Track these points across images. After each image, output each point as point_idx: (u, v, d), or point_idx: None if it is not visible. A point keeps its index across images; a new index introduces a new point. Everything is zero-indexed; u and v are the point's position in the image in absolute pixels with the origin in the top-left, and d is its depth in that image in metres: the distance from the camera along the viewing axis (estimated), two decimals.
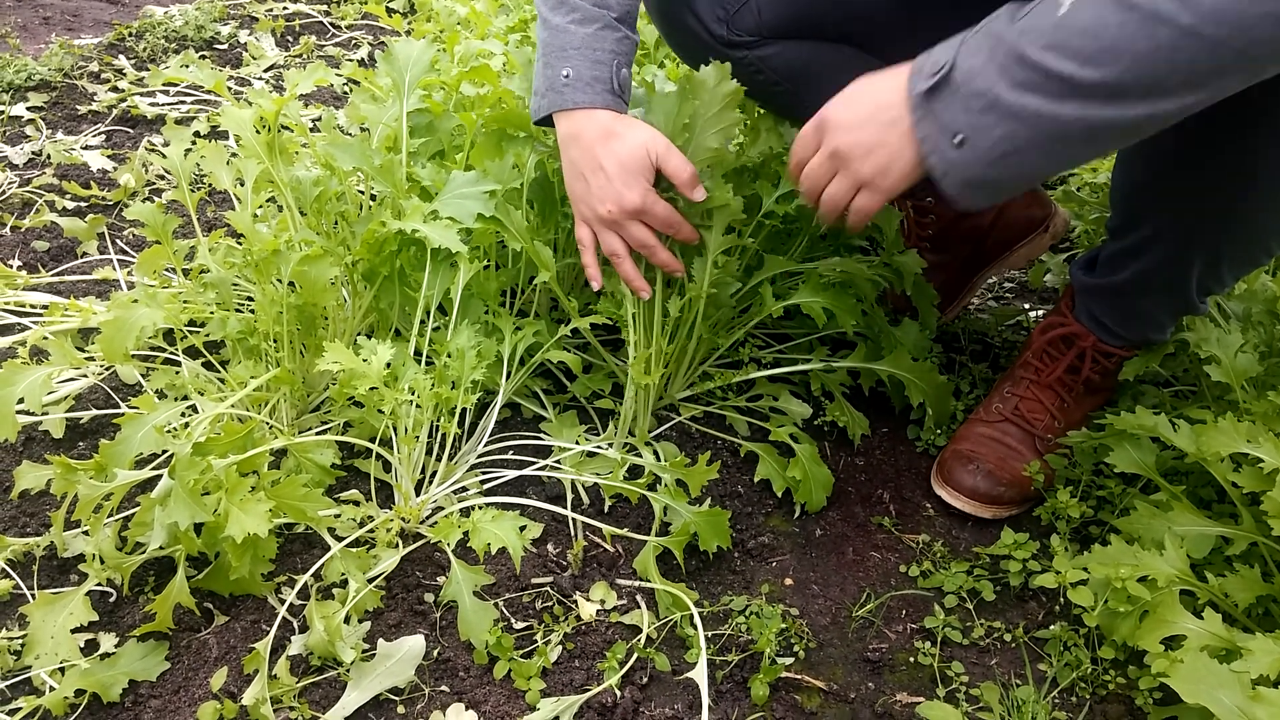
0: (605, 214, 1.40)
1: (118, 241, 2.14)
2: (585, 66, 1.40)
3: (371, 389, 1.34)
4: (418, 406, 1.39)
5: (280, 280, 1.51)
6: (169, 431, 1.37)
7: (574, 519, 1.48)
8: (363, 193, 1.86)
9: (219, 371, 1.61)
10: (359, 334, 1.76)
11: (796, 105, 1.64)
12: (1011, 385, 1.68)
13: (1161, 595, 1.25)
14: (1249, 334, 1.63)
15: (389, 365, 1.37)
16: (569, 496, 1.55)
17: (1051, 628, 1.35)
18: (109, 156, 2.50)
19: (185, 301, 1.79)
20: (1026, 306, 2.18)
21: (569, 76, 1.39)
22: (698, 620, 1.30)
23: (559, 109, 1.41)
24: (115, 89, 2.88)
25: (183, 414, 1.42)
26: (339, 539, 1.38)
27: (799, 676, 1.28)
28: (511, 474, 1.54)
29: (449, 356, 1.40)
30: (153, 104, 2.78)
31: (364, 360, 1.35)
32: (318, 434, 1.61)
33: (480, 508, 1.28)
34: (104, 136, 2.63)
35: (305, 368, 1.66)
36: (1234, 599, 1.28)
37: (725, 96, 1.44)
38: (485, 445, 1.60)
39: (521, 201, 1.69)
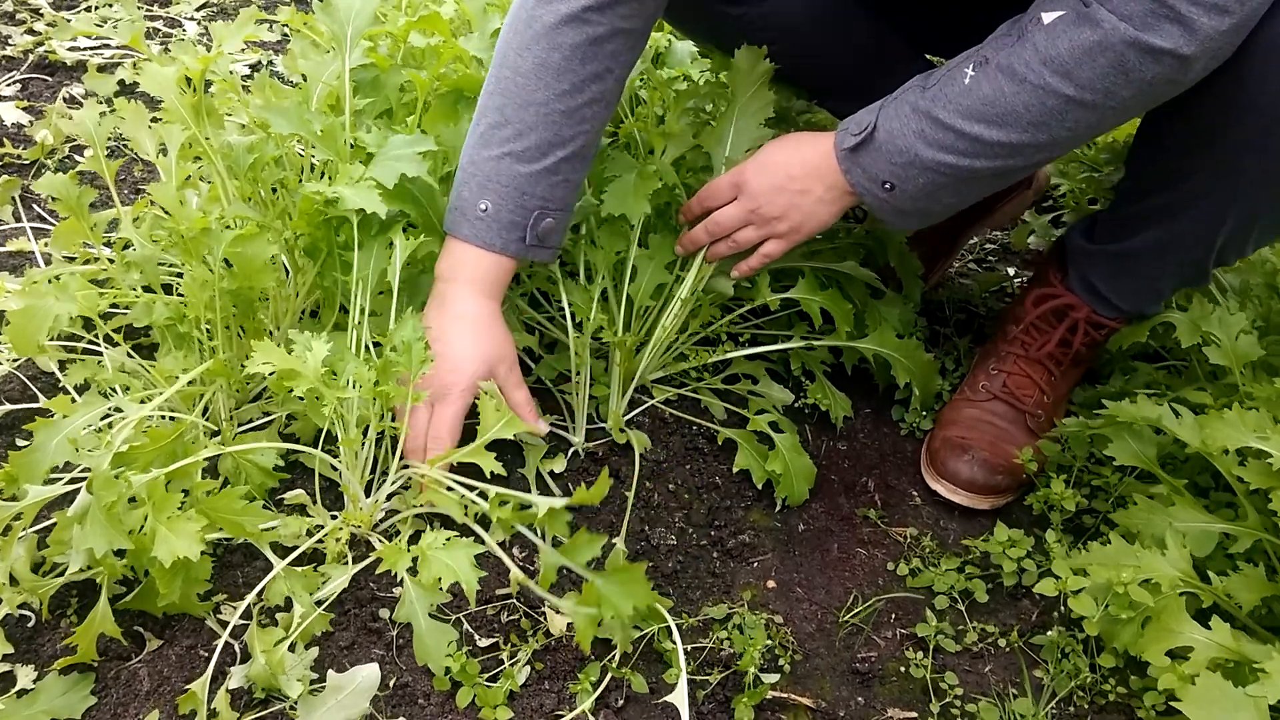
0: (442, 382, 1.30)
1: (35, 207, 1.96)
2: (507, 208, 1.31)
3: (309, 389, 1.21)
4: (362, 403, 1.27)
5: (212, 261, 1.36)
6: (89, 433, 1.23)
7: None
8: (303, 154, 1.70)
9: (146, 361, 1.47)
10: (303, 312, 1.62)
11: (791, 68, 1.54)
12: (997, 362, 1.59)
13: (1165, 601, 1.18)
14: (1247, 309, 1.55)
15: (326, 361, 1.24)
16: (533, 490, 1.44)
17: (1049, 633, 1.28)
18: (24, 109, 2.29)
19: (107, 283, 1.64)
20: (1011, 272, 2.09)
21: (485, 210, 1.31)
22: (676, 635, 1.21)
23: (463, 239, 1.33)
24: (31, 31, 2.65)
25: (105, 414, 1.28)
26: (286, 550, 1.26)
27: (785, 694, 1.20)
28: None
29: (393, 350, 1.27)
30: (72, 48, 2.55)
31: (298, 358, 1.22)
32: (258, 427, 1.48)
33: (431, 526, 1.16)
34: (19, 86, 2.42)
35: (243, 353, 1.52)
36: (1237, 599, 1.21)
37: (761, 77, 1.44)
38: None
39: None
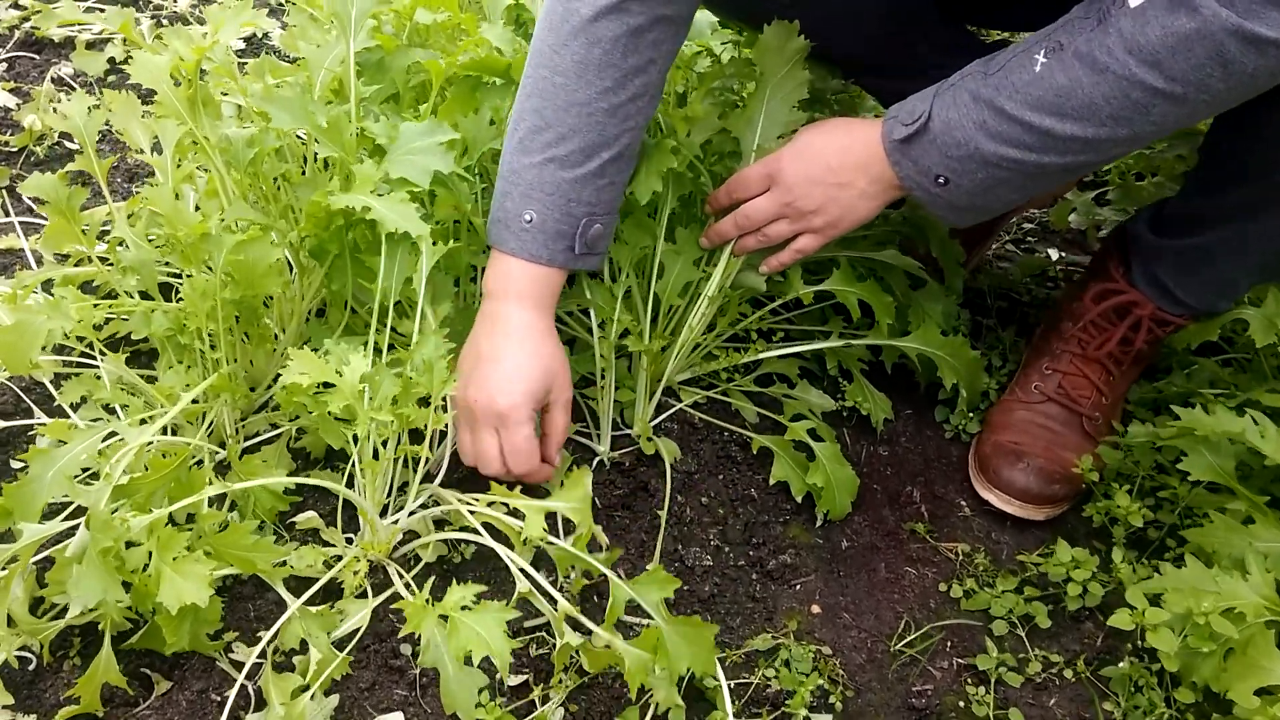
0: (470, 403, 1.23)
1: (25, 199, 1.85)
2: (553, 217, 1.23)
3: (345, 406, 1.12)
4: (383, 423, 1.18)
5: (212, 268, 1.27)
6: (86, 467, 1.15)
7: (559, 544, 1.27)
8: (304, 141, 1.59)
9: (145, 372, 1.38)
10: (309, 313, 1.53)
11: (824, 39, 1.41)
12: (1051, 361, 1.49)
13: (1250, 631, 1.09)
14: None
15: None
16: (560, 515, 1.35)
17: (1120, 665, 1.19)
18: (11, 90, 2.18)
19: (102, 289, 1.55)
20: (1053, 255, 1.98)
21: (530, 222, 1.23)
22: (720, 672, 1.12)
23: (509, 252, 1.25)
24: (17, 5, 2.52)
25: (105, 438, 1.19)
26: (300, 583, 1.18)
27: None
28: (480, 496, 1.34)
29: (414, 369, 1.17)
30: (61, 24, 2.42)
31: (336, 371, 1.12)
32: (266, 441, 1.39)
33: (457, 581, 1.07)
34: (5, 65, 2.30)
35: (249, 357, 1.43)
36: None
37: (793, 55, 1.33)
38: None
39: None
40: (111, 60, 2.24)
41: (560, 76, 1.19)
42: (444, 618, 1.00)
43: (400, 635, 1.17)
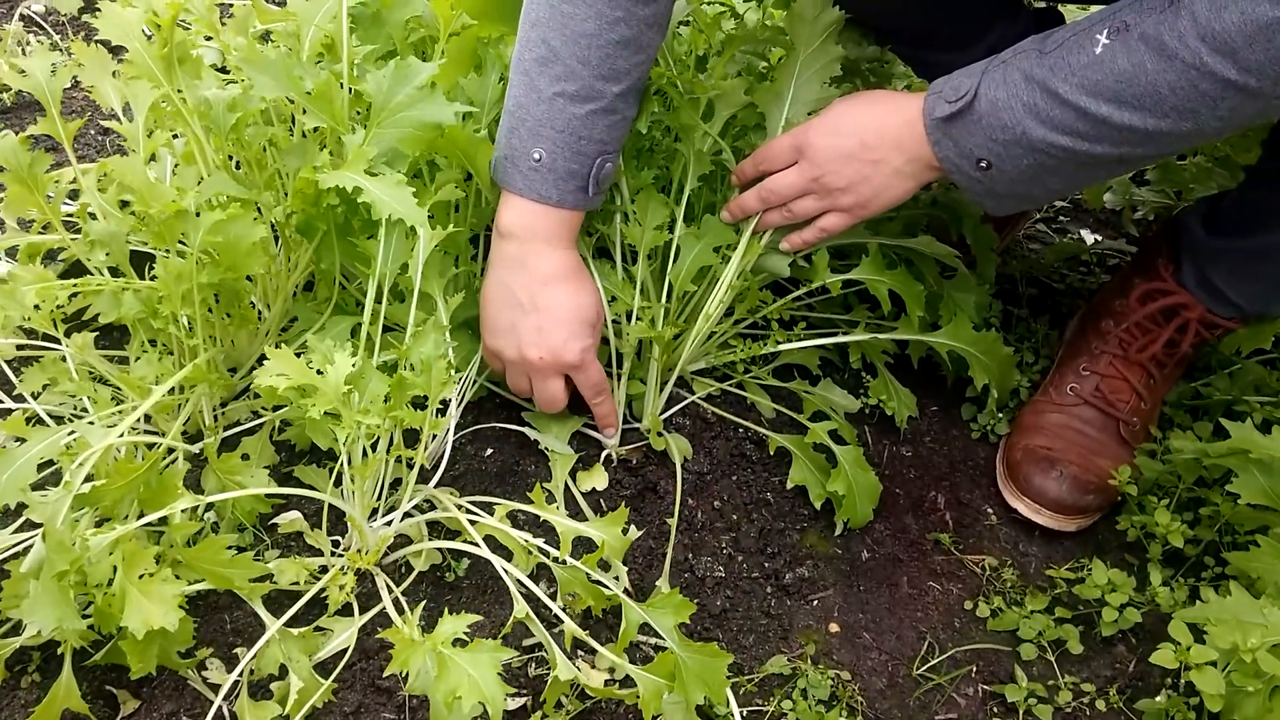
0: (533, 359, 1.22)
1: None
2: (563, 155, 1.16)
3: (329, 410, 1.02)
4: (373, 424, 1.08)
5: (188, 248, 1.16)
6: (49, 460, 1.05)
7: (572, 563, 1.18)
8: (293, 101, 1.46)
9: (114, 355, 1.28)
10: (297, 288, 1.42)
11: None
12: (1089, 361, 1.39)
13: None
14: None
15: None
16: (562, 510, 1.27)
17: (1157, 699, 1.12)
18: None
19: (66, 259, 1.43)
20: (1088, 238, 1.87)
21: (540, 160, 1.16)
22: (733, 700, 1.05)
23: (516, 192, 1.19)
24: None
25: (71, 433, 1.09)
26: (282, 594, 1.09)
27: None
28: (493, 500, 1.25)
29: (410, 367, 1.07)
30: None
31: (317, 371, 1.02)
32: (247, 432, 1.29)
33: (449, 611, 0.98)
34: None
35: (229, 338, 1.33)
36: None
37: (826, 28, 1.24)
38: (457, 437, 1.31)
39: None
40: None
41: (567, 4, 1.10)
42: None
43: (386, 650, 1.09)
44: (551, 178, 1.17)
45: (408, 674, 0.99)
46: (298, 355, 1.02)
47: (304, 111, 1.23)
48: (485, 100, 1.29)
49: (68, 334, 1.19)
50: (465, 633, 0.92)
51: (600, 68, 1.13)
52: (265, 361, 1.00)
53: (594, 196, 1.20)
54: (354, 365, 1.02)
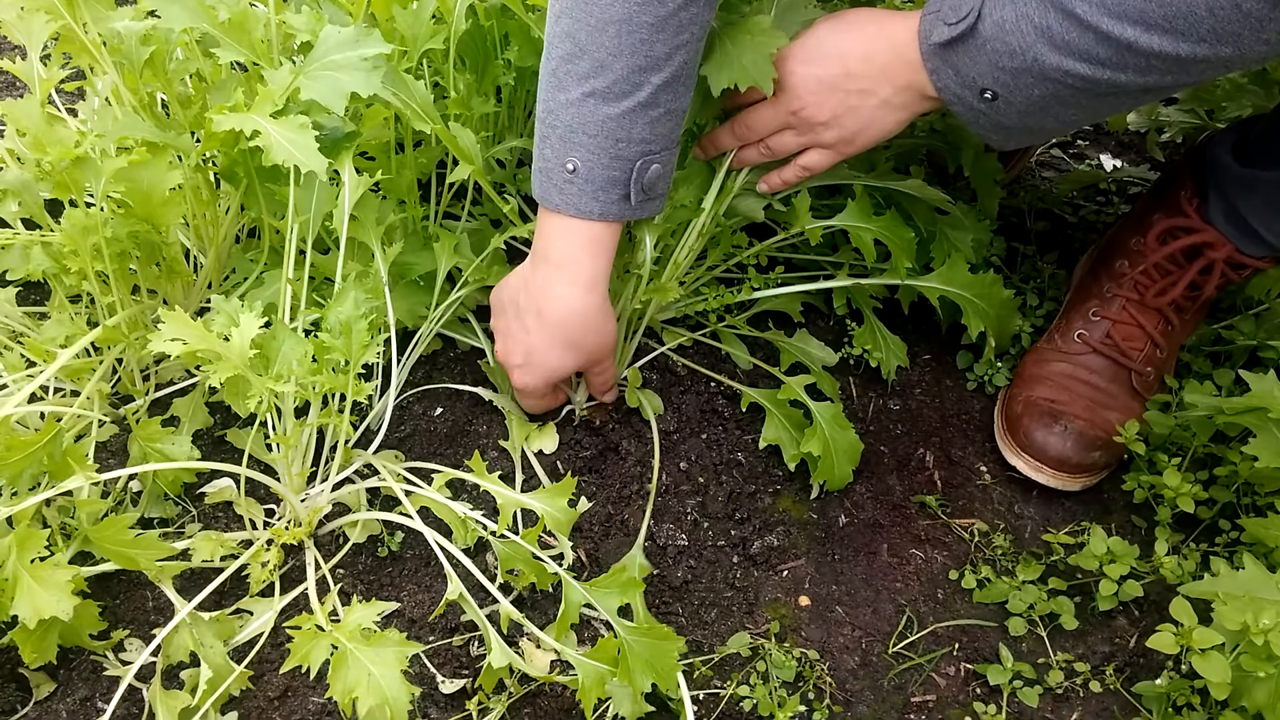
0: (513, 367, 1.14)
1: None
2: (600, 163, 1.01)
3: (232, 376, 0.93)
4: (300, 387, 0.99)
5: (94, 197, 1.06)
6: None
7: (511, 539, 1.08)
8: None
9: (35, 311, 1.20)
10: (241, 232, 1.33)
11: None
12: (1100, 305, 1.27)
13: None
14: None
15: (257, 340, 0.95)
16: (518, 475, 1.18)
17: (1157, 681, 1.02)
18: None
19: None
20: (1107, 165, 1.72)
21: (574, 171, 1.01)
22: (685, 691, 0.96)
23: (554, 209, 1.04)
24: None
25: None
26: (210, 574, 1.02)
27: None
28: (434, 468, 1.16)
29: (327, 331, 0.97)
30: None
31: (220, 336, 0.93)
32: (180, 392, 1.21)
33: (358, 598, 0.90)
34: None
35: (162, 292, 1.24)
36: None
37: None
38: (401, 396, 1.22)
39: (448, 63, 1.21)
40: None
41: None
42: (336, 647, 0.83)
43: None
44: (590, 189, 1.02)
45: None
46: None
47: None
48: (418, 36, 1.17)
49: None
50: (376, 622, 0.84)
51: (635, 57, 0.97)
52: (160, 325, 0.91)
53: (639, 204, 1.05)
54: (263, 327, 0.93)
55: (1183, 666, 1.02)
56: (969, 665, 1.06)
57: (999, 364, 1.33)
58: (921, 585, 1.13)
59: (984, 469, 1.25)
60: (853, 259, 1.34)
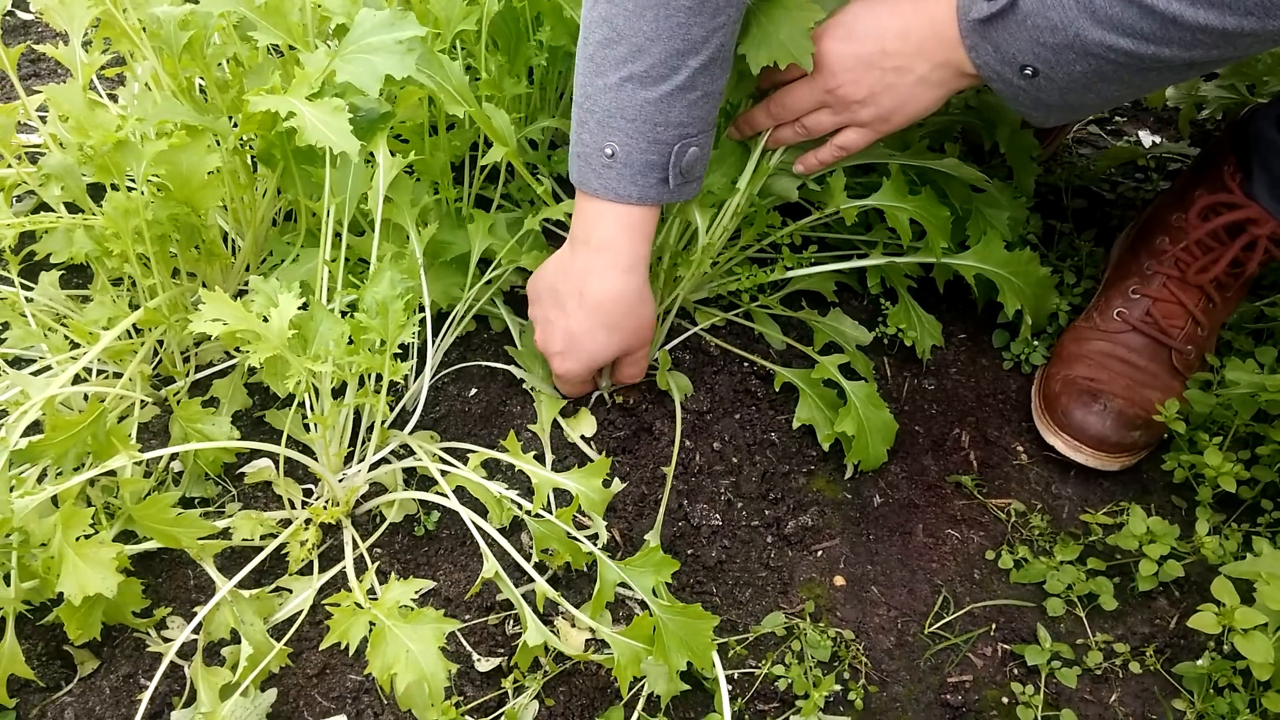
0: (554, 354, 1.15)
1: None
2: (639, 147, 1.01)
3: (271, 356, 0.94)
4: (337, 367, 1.00)
5: (135, 181, 1.07)
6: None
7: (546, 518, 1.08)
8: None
9: (78, 295, 1.21)
10: (278, 215, 1.34)
11: None
12: (1140, 283, 1.25)
13: None
14: None
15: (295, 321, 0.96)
16: (548, 456, 1.18)
17: (1198, 662, 1.01)
18: None
19: (22, 194, 1.36)
20: (1146, 141, 1.69)
21: (613, 156, 1.02)
22: (720, 669, 0.96)
23: (592, 194, 1.05)
24: None
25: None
26: (250, 552, 1.03)
27: None
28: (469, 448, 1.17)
29: (363, 312, 0.98)
30: None
31: (260, 316, 0.94)
32: (220, 373, 1.23)
33: (396, 576, 0.91)
34: None
35: (201, 275, 1.25)
36: None
37: None
38: (436, 377, 1.23)
39: (479, 44, 1.21)
40: None
41: None
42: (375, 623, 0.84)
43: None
44: (628, 173, 1.02)
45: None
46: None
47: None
48: (452, 15, 1.17)
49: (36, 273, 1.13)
50: (413, 600, 0.85)
51: (672, 40, 0.97)
52: (201, 306, 0.92)
53: (678, 187, 1.05)
54: (302, 308, 0.94)
55: (1224, 647, 1.00)
56: (1006, 646, 1.05)
57: (1035, 343, 1.32)
58: (958, 565, 1.12)
59: (1020, 449, 1.24)
60: (887, 238, 1.32)
